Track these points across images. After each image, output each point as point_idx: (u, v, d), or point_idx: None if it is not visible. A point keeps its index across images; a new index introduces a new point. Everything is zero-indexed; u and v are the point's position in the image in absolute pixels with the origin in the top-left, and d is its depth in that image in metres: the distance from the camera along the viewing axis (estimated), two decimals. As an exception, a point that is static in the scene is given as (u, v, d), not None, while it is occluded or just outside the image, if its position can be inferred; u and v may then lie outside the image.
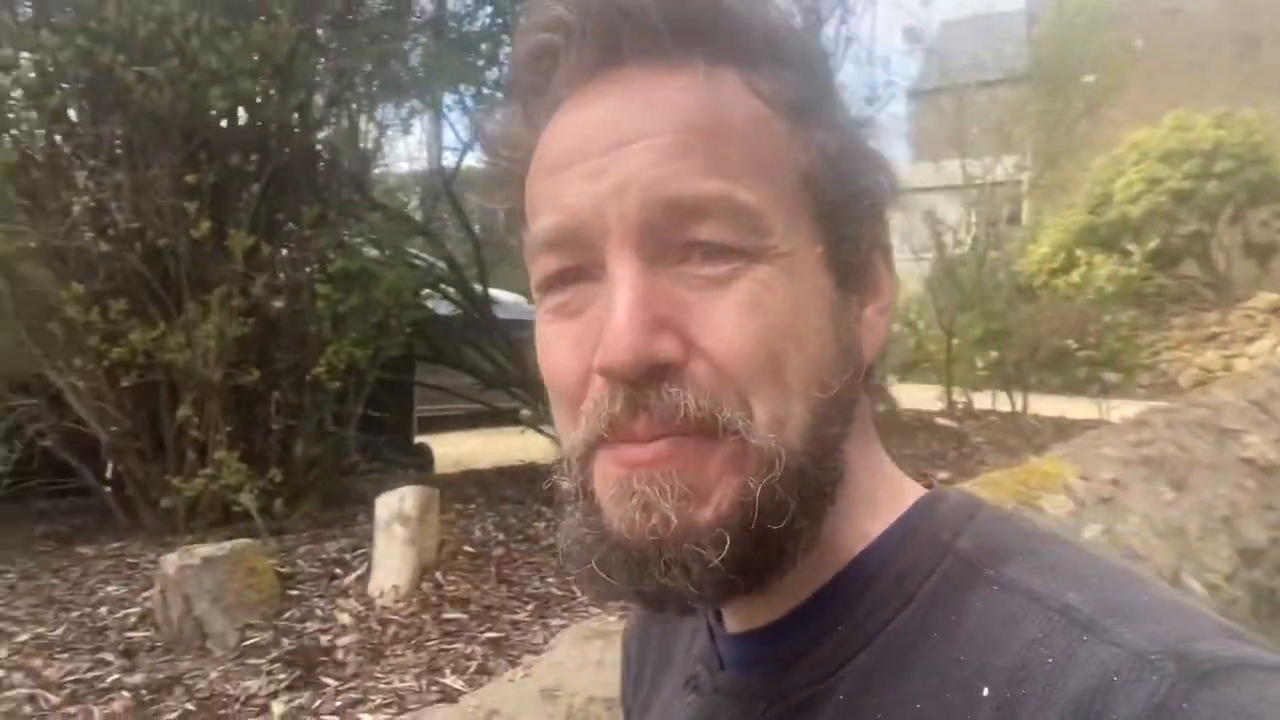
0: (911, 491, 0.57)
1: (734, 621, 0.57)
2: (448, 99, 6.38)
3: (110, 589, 3.86)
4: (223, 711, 2.88)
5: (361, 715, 2.78)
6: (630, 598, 0.51)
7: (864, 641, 0.51)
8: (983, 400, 8.32)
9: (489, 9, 5.88)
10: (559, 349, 0.51)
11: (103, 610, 3.65)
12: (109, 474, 5.02)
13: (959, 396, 8.32)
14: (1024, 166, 9.89)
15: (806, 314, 0.50)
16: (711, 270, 0.48)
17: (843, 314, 0.52)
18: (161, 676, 3.11)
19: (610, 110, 0.49)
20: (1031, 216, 12.71)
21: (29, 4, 4.20)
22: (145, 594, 3.72)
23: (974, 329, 8.87)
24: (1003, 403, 8.16)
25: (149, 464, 4.68)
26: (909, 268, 9.80)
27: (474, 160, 6.22)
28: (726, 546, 0.47)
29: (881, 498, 0.56)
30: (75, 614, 3.64)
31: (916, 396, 8.32)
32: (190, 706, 2.91)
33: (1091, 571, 0.48)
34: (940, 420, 7.25)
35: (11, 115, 4.23)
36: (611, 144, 0.48)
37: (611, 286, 0.48)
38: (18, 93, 4.18)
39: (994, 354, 9.08)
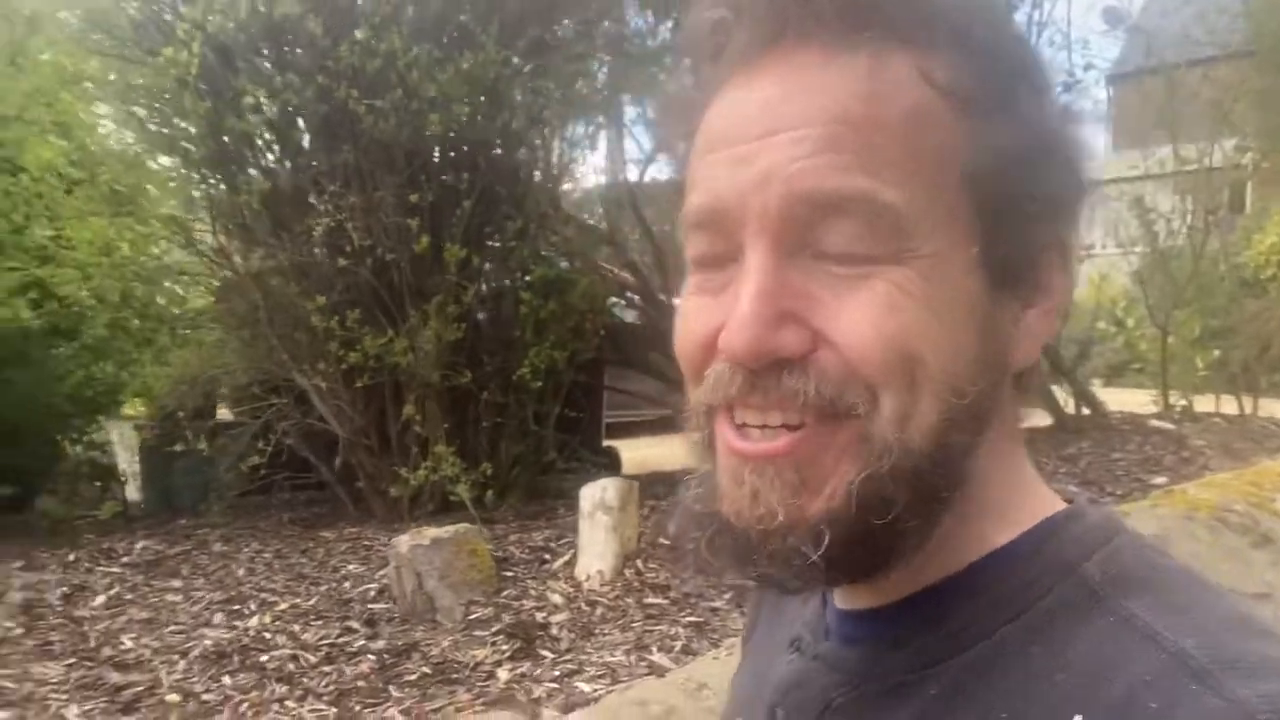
0: (1050, 504, 0.54)
1: (845, 597, 0.57)
2: (630, 113, 6.68)
3: (351, 567, 4.31)
4: (455, 676, 3.18)
5: (578, 684, 2.99)
6: (731, 577, 0.52)
7: (967, 643, 0.49)
8: (1204, 403, 7.73)
9: (669, 24, 6.09)
10: (693, 321, 0.52)
11: (346, 585, 4.09)
12: (338, 468, 5.57)
13: (1177, 399, 7.77)
14: (1245, 149, 9.09)
15: (945, 318, 0.48)
16: (849, 268, 0.47)
17: (993, 318, 0.49)
18: (400, 643, 3.46)
19: (767, 95, 0.48)
20: (1256, 203, 11.63)
21: (269, 52, 4.76)
22: (381, 572, 4.13)
23: (1191, 327, 8.25)
24: (1227, 405, 7.54)
25: (378, 458, 5.17)
26: (1115, 262, 9.24)
27: (656, 173, 6.46)
28: (825, 543, 0.47)
29: (1014, 506, 0.53)
30: (323, 588, 4.09)
31: (1127, 400, 7.84)
32: (426, 670, 3.23)
33: (1216, 618, 0.46)
34: (1155, 423, 6.79)
35: (259, 151, 4.81)
36: (762, 131, 0.48)
37: (743, 274, 0.48)
38: (265, 132, 4.74)
39: (1216, 353, 8.40)
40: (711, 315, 0.50)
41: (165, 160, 5.71)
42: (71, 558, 4.69)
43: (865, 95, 0.47)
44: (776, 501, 0.48)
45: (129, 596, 4.09)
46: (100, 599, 4.06)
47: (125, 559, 4.69)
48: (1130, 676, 0.43)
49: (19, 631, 3.66)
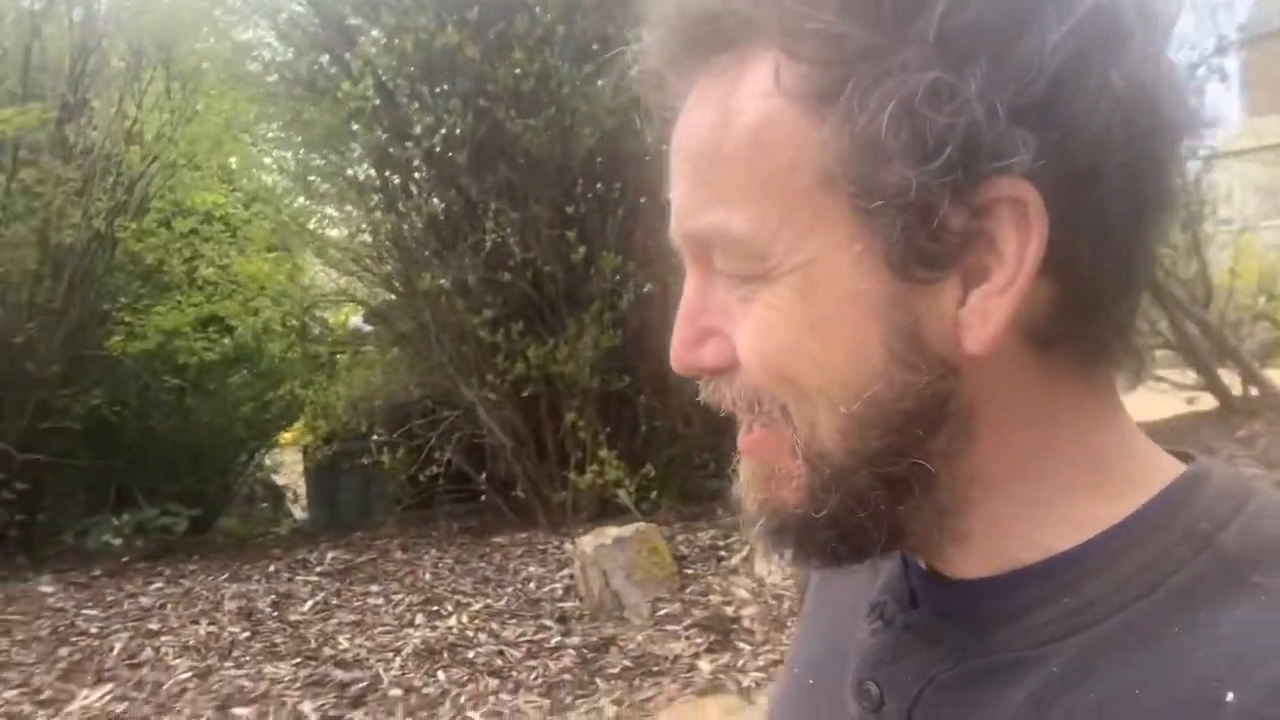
0: (1169, 469, 0.50)
1: (938, 563, 0.53)
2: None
3: (531, 569, 4.48)
4: (656, 668, 3.27)
5: (786, 672, 3.04)
6: (794, 559, 0.53)
7: (1092, 620, 0.46)
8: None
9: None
10: None
11: (530, 586, 4.25)
12: (494, 477, 5.78)
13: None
14: None
15: (826, 327, 0.46)
16: (739, 291, 0.49)
17: (903, 311, 0.46)
18: (595, 639, 3.58)
19: (678, 126, 0.50)
20: None
21: (431, 82, 5.01)
22: (562, 572, 4.27)
23: None
24: None
25: (539, 465, 5.35)
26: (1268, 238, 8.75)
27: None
28: (808, 525, 0.49)
29: (1118, 477, 0.49)
30: (509, 589, 4.26)
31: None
32: (627, 664, 3.33)
33: None
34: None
35: (423, 177, 5.06)
36: (673, 167, 0.51)
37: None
38: (429, 158, 4.98)
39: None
40: None
41: (327, 193, 6.07)
42: (271, 569, 5.01)
43: (716, 124, 0.47)
44: (761, 490, 0.51)
45: (334, 601, 4.35)
46: (308, 604, 4.33)
47: (319, 568, 4.99)
48: None
49: (245, 635, 3.94)
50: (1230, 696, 0.40)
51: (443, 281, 4.88)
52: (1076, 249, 0.44)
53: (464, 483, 6.01)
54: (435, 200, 5.04)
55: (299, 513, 7.74)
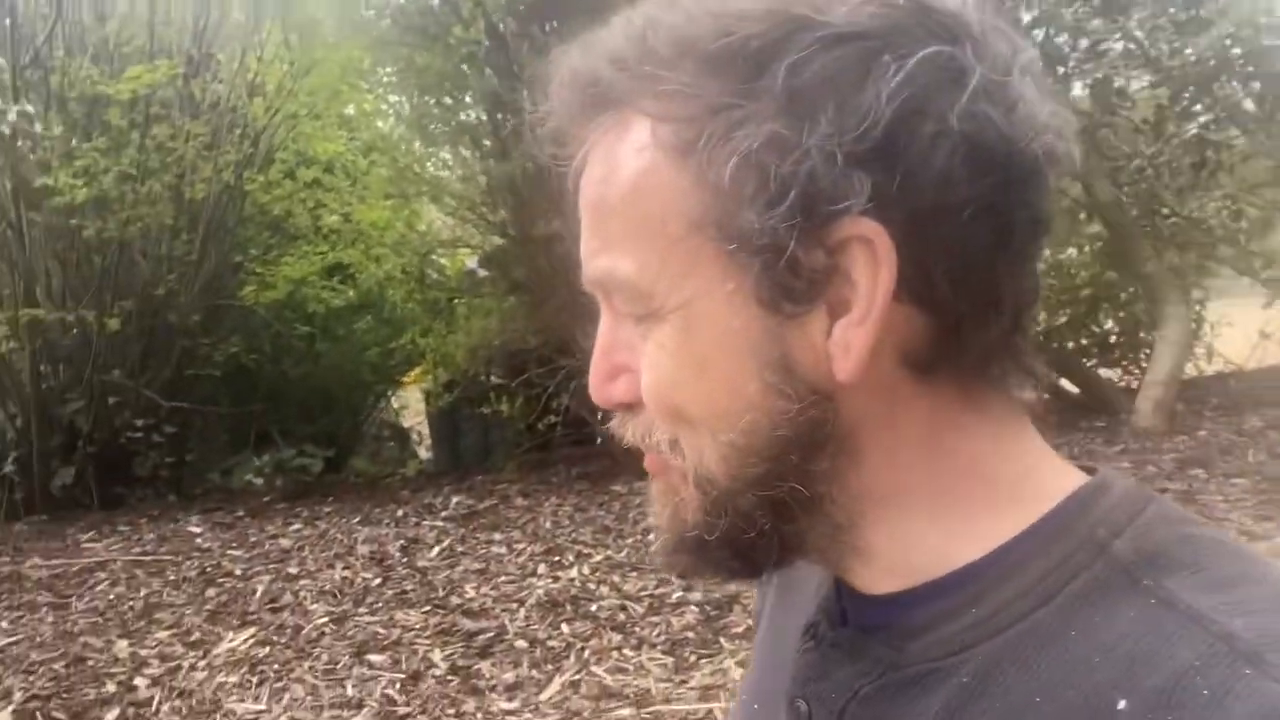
0: (1071, 479, 0.53)
1: (860, 580, 0.55)
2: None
3: (650, 520, 4.44)
4: (782, 628, 3.19)
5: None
6: (691, 574, 0.58)
7: (996, 629, 0.49)
8: None
9: None
10: None
11: (651, 538, 4.21)
12: (600, 421, 5.75)
13: None
14: None
15: (705, 363, 0.50)
16: (638, 330, 0.52)
17: (775, 344, 0.49)
18: (717, 595, 3.52)
19: (581, 180, 0.53)
20: None
21: (541, 23, 4.87)
22: (682, 525, 4.23)
23: None
24: None
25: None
26: None
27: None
28: (714, 540, 0.52)
29: (1014, 489, 0.52)
30: (629, 540, 4.26)
31: None
32: (751, 623, 3.26)
33: (1263, 594, 0.45)
34: None
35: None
36: (580, 215, 0.54)
37: None
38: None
39: None
40: None
41: (441, 139, 6.08)
42: (400, 513, 5.16)
43: (603, 177, 0.51)
44: (666, 510, 0.55)
45: (459, 549, 4.44)
46: (434, 551, 4.44)
47: (444, 513, 5.10)
48: (1176, 661, 0.42)
49: (377, 582, 4.07)
50: (1122, 704, 0.43)
51: (557, 227, 4.80)
52: (934, 280, 0.47)
53: (581, 427, 6.03)
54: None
55: (424, 453, 7.97)
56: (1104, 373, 7.45)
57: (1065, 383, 7.10)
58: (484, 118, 5.44)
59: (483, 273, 7.33)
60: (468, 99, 5.39)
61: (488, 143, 5.34)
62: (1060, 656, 0.46)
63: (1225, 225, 6.33)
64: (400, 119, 6.45)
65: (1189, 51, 5.69)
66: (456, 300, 6.83)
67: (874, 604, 0.55)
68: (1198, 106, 6.07)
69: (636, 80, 0.49)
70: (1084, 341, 7.72)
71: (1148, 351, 7.67)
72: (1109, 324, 7.72)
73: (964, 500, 0.52)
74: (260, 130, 6.51)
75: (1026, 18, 5.84)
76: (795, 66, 0.46)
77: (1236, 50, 5.51)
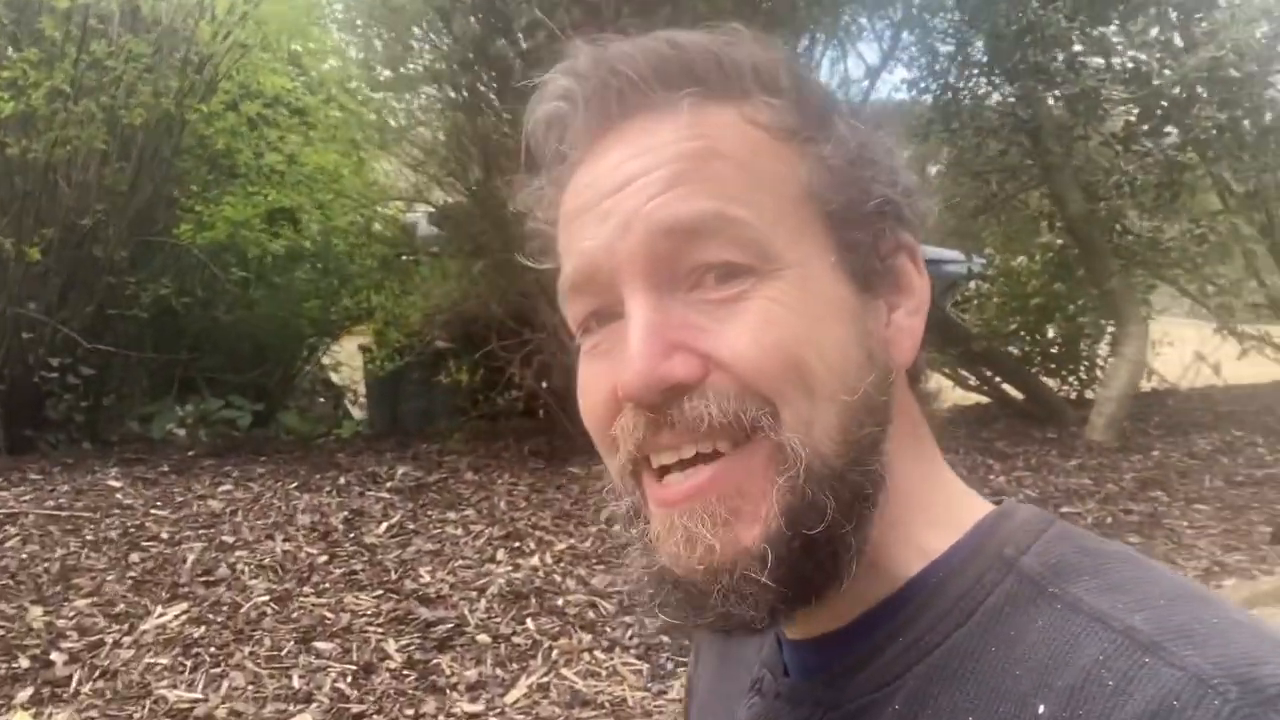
0: (979, 507, 0.57)
1: (798, 629, 0.57)
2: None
3: (614, 508, 4.26)
4: (763, 638, 3.06)
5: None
6: (695, 629, 0.54)
7: (923, 654, 0.51)
8: None
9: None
10: (592, 388, 0.55)
11: (616, 528, 4.02)
12: (547, 389, 5.53)
13: None
14: None
15: (824, 322, 0.52)
16: (724, 292, 0.51)
17: (865, 319, 0.54)
18: (691, 597, 3.36)
19: (614, 159, 0.53)
20: None
21: None
22: (648, 516, 4.06)
23: None
24: None
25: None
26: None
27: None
28: (770, 561, 0.49)
29: (943, 511, 0.56)
30: (593, 529, 4.07)
31: None
32: (731, 629, 3.12)
33: (1158, 592, 0.48)
34: None
35: (519, 73, 4.64)
36: (615, 187, 0.53)
37: (629, 319, 0.51)
38: (530, 55, 4.56)
39: None
40: (608, 374, 0.53)
41: (406, 85, 5.70)
42: (341, 481, 4.86)
43: (697, 135, 0.53)
44: (711, 537, 0.50)
45: (410, 525, 4.18)
46: (382, 526, 4.17)
47: (389, 484, 4.82)
48: (1084, 659, 0.45)
49: (323, 559, 3.79)
50: (1041, 709, 0.46)
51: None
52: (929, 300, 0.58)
53: (531, 399, 5.79)
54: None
55: (357, 414, 7.61)
56: (1045, 381, 7.55)
57: (1010, 389, 7.18)
58: (455, 67, 5.10)
59: (432, 230, 6.99)
60: (445, 43, 5.05)
61: (463, 95, 5.00)
62: (984, 672, 0.49)
63: (1185, 248, 6.42)
64: (362, 61, 6.02)
65: (1169, 71, 5.70)
66: (411, 258, 6.49)
67: (813, 648, 0.57)
68: (1169, 127, 6.11)
69: (739, 67, 0.55)
70: (1029, 349, 7.81)
71: (1086, 364, 7.83)
72: (1051, 334, 7.83)
73: (919, 514, 0.56)
74: (206, 57, 6.02)
75: (1013, 28, 5.78)
76: (849, 116, 0.58)
77: (1220, 73, 5.54)
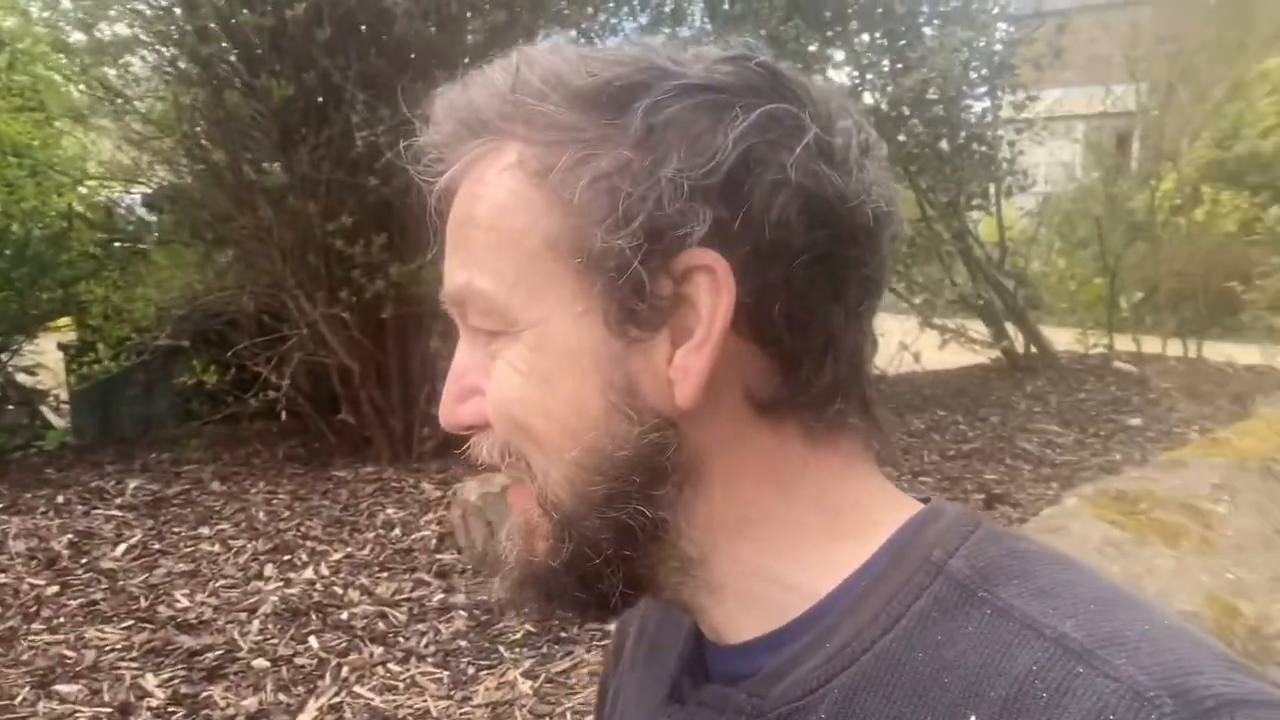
0: (905, 508, 0.56)
1: (720, 633, 0.57)
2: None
3: (389, 512, 4.06)
4: (564, 634, 3.05)
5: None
6: (538, 613, 0.57)
7: (848, 661, 0.50)
8: (1124, 343, 8.20)
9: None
10: None
11: (395, 533, 3.85)
12: (288, 385, 5.18)
13: (1098, 339, 8.20)
14: (1144, 96, 9.53)
15: (552, 380, 0.51)
16: (490, 348, 0.53)
17: (621, 365, 0.51)
18: (485, 599, 3.28)
19: (454, 202, 0.55)
20: (1152, 150, 12.24)
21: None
22: (426, 518, 3.91)
23: (1085, 268, 8.62)
24: (1150, 345, 8.02)
25: (385, 393, 4.86)
26: (1025, 201, 9.56)
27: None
28: (560, 568, 0.53)
29: (854, 521, 0.55)
30: (370, 535, 3.84)
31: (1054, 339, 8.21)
32: (530, 629, 3.08)
33: (1090, 596, 0.47)
34: (1120, 365, 7.14)
35: (265, 49, 4.29)
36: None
37: None
38: (279, 33, 4.22)
39: (1139, 295, 8.88)
40: None
41: (123, 50, 5.05)
42: (60, 499, 4.23)
43: (472, 197, 0.53)
44: (516, 542, 0.56)
45: (155, 546, 3.73)
46: (119, 549, 3.68)
47: (119, 500, 4.28)
48: (1016, 668, 0.44)
49: (52, 590, 3.28)
50: (972, 719, 0.44)
51: (285, 179, 4.20)
52: (772, 318, 0.50)
53: (282, 401, 5.36)
54: (284, 81, 4.28)
55: (58, 421, 6.65)
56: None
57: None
58: (193, 36, 4.60)
59: (147, 215, 6.25)
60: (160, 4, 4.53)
61: (195, 69, 4.51)
62: (911, 679, 0.47)
63: (895, 252, 7.15)
64: (69, 17, 5.25)
65: (890, 89, 6.36)
66: (128, 246, 5.76)
67: (736, 654, 0.55)
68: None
69: (509, 107, 0.52)
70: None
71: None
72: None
73: (811, 533, 0.54)
74: None
75: (742, 40, 6.15)
76: (653, 107, 0.49)
77: (926, 96, 6.26)
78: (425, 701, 2.74)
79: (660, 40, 0.55)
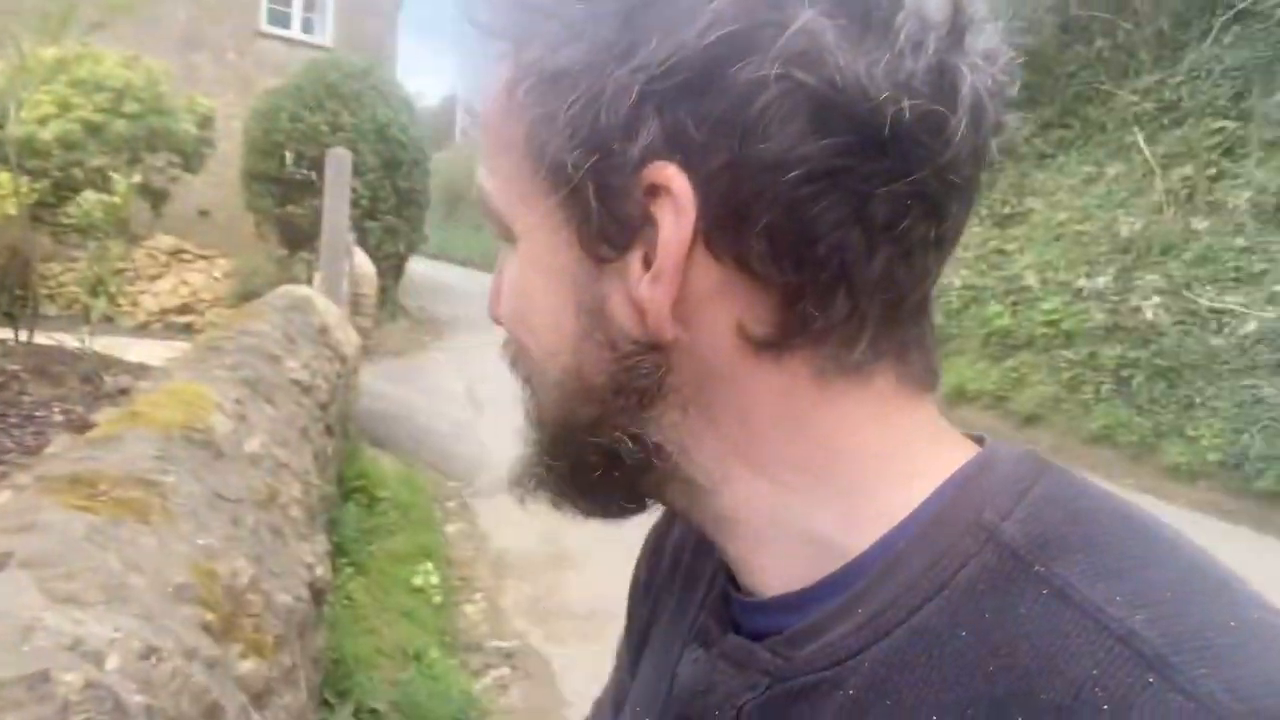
0: (955, 452, 0.48)
1: (749, 582, 0.52)
2: None
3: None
4: None
5: None
6: (552, 505, 0.56)
7: (883, 631, 0.44)
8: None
9: None
10: None
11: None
12: None
13: None
14: None
15: (536, 295, 0.49)
16: (506, 251, 0.52)
17: (591, 288, 0.47)
18: None
19: None
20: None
21: None
22: None
23: None
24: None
25: None
26: None
27: None
28: (561, 481, 0.53)
29: (905, 467, 0.47)
30: None
31: None
32: None
33: (1167, 579, 0.39)
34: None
35: None
36: None
37: None
38: None
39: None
40: None
41: None
42: None
43: (485, 96, 0.50)
44: (526, 444, 0.55)
45: None
46: None
47: None
48: (1074, 670, 0.38)
49: None
50: None
51: None
52: (751, 243, 0.43)
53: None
54: None
55: None
56: None
57: None
58: None
59: None
60: None
61: None
62: (953, 660, 0.41)
63: None
64: None
65: None
66: None
67: (765, 608, 0.51)
68: None
69: (511, 6, 0.48)
70: None
71: None
72: None
73: (833, 480, 0.48)
74: None
75: None
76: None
77: None
78: None
79: None
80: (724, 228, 0.43)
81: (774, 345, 0.46)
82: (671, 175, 0.42)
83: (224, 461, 3.25)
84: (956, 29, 0.42)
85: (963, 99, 0.42)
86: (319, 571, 2.99)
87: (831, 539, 0.47)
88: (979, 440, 0.50)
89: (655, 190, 0.43)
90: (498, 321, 0.54)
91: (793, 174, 0.41)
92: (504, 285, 0.53)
